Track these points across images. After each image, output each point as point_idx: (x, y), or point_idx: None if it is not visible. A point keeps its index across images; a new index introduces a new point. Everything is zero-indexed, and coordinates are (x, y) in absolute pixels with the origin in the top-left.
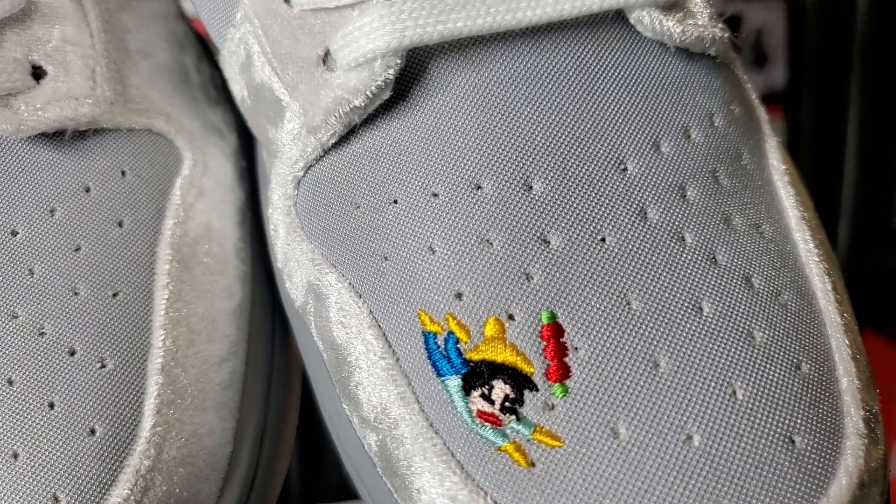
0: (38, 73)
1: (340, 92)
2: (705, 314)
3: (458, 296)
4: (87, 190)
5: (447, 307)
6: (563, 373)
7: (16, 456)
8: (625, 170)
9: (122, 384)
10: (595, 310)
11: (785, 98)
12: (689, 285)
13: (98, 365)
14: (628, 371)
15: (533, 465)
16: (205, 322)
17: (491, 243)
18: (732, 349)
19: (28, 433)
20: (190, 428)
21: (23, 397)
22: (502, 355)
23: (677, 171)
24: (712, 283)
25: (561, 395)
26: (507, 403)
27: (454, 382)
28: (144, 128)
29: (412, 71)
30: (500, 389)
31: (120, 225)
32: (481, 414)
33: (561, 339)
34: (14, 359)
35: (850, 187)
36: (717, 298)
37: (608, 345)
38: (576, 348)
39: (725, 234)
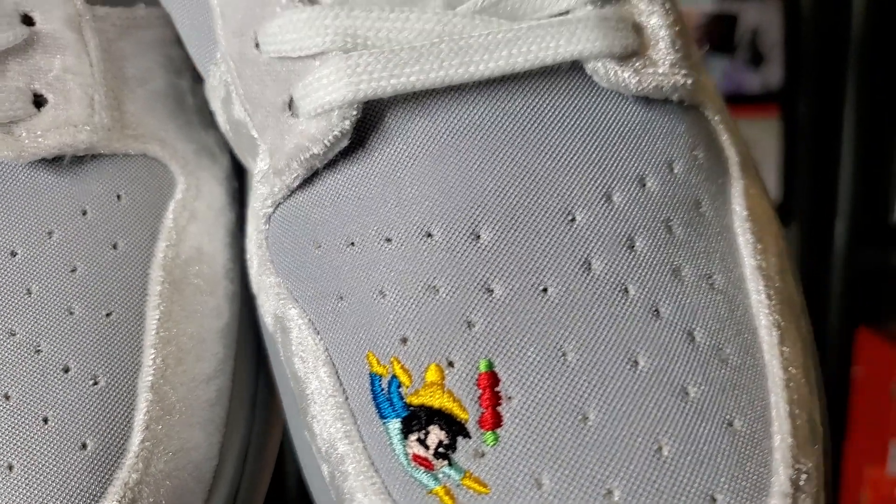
0: (39, 101)
1: (301, 139)
2: (640, 368)
3: (404, 340)
4: (84, 213)
5: (392, 351)
6: (495, 421)
7: (11, 468)
8: (573, 220)
9: (113, 401)
10: (531, 360)
11: (781, 97)
12: (626, 338)
13: (91, 382)
14: (557, 422)
15: None
16: (194, 341)
17: (437, 290)
18: (664, 404)
19: (23, 446)
20: (177, 443)
21: (19, 412)
22: (440, 401)
23: (627, 222)
24: (651, 336)
25: (491, 444)
26: (440, 449)
27: (394, 425)
28: (140, 153)
29: (370, 119)
30: (436, 435)
31: (114, 247)
32: (416, 458)
33: (496, 389)
34: (11, 375)
35: (847, 185)
36: (655, 352)
37: (540, 395)
38: (509, 397)
39: (671, 286)
